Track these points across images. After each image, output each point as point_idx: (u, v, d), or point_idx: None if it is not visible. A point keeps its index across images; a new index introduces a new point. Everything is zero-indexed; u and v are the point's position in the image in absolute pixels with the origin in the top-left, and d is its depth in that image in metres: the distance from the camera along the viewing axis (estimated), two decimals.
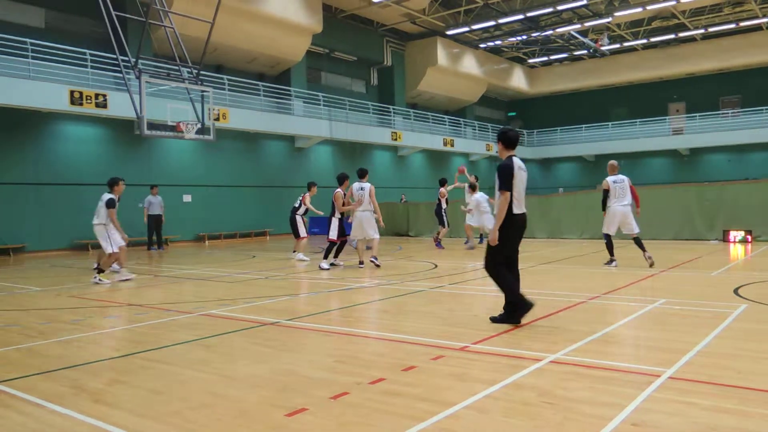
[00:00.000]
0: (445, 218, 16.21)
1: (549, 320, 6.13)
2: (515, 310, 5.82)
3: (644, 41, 33.33)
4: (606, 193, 10.47)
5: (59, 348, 5.43)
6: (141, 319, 6.96)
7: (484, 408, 3.58)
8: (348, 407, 3.63)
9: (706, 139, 32.96)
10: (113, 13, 13.45)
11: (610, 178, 10.54)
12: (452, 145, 32.37)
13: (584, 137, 37.58)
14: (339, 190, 11.60)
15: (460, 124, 35.04)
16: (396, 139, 28.67)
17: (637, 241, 10.40)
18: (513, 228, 5.88)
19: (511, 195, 5.80)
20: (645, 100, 37.38)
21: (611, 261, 10.74)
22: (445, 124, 33.66)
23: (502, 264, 5.92)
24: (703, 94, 35.37)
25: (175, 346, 5.38)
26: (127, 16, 15.33)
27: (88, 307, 7.65)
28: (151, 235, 18.02)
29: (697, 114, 34.21)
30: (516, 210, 5.87)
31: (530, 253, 13.66)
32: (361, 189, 11.30)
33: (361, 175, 11.54)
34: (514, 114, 43.35)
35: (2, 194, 16.93)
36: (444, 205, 16.29)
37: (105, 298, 8.46)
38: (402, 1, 26.21)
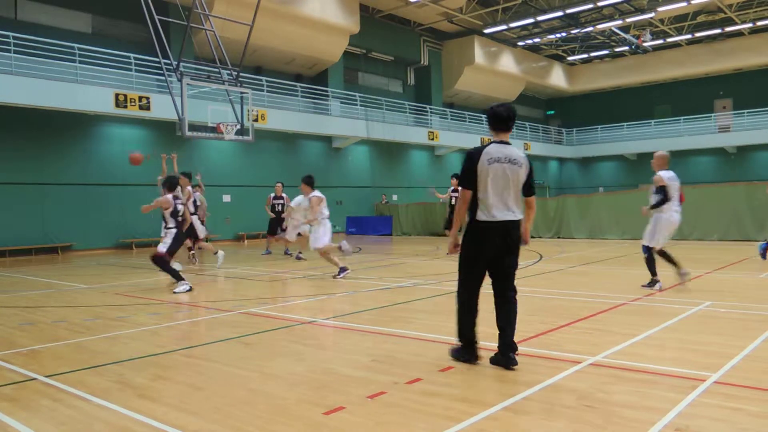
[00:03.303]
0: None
1: (589, 322, 6.03)
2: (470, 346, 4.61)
3: (689, 36, 32.41)
4: None
5: (105, 344, 5.59)
6: (183, 316, 7.12)
7: (523, 410, 3.55)
8: (385, 407, 3.64)
9: (755, 136, 31.86)
10: (156, 17, 13.77)
11: None
12: None
13: (626, 135, 36.77)
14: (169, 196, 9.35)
15: None
16: (433, 139, 28.57)
17: None
18: (479, 238, 4.43)
19: (476, 195, 4.43)
20: (690, 97, 36.34)
21: None
22: (483, 124, 33.35)
23: (470, 289, 4.58)
24: (752, 90, 34.17)
25: (216, 344, 5.48)
26: (170, 20, 15.66)
27: (133, 305, 7.85)
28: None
29: (745, 111, 33.09)
30: (483, 216, 4.39)
31: (570, 254, 13.46)
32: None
33: None
34: (552, 112, 42.71)
35: (51, 194, 17.53)
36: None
37: (148, 295, 8.67)
38: (439, 0, 26.12)
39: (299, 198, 12.49)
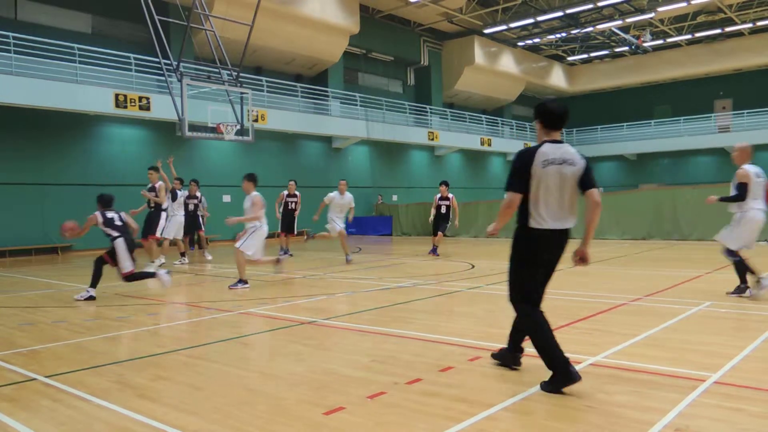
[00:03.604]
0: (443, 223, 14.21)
1: (589, 322, 6.03)
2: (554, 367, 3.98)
3: (689, 37, 32.42)
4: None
5: (105, 344, 5.59)
6: (183, 316, 7.12)
7: (523, 410, 3.55)
8: (385, 407, 3.64)
9: (755, 136, 31.81)
10: (156, 17, 13.77)
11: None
12: (489, 145, 32.10)
13: (626, 136, 36.75)
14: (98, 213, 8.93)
15: (498, 123, 34.71)
16: (433, 139, 28.58)
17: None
18: (532, 245, 4.08)
19: (528, 200, 4.02)
20: (689, 97, 36.35)
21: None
22: (483, 124, 33.38)
23: (527, 292, 4.16)
24: (752, 90, 34.18)
25: (216, 344, 5.48)
26: (170, 20, 15.65)
27: (132, 305, 7.86)
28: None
29: (745, 111, 33.11)
30: (535, 223, 4.01)
31: (570, 254, 13.47)
32: None
33: None
34: None
35: (51, 195, 17.51)
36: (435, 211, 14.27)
37: (148, 295, 8.68)
38: (439, 0, 26.13)
39: (333, 194, 12.70)
